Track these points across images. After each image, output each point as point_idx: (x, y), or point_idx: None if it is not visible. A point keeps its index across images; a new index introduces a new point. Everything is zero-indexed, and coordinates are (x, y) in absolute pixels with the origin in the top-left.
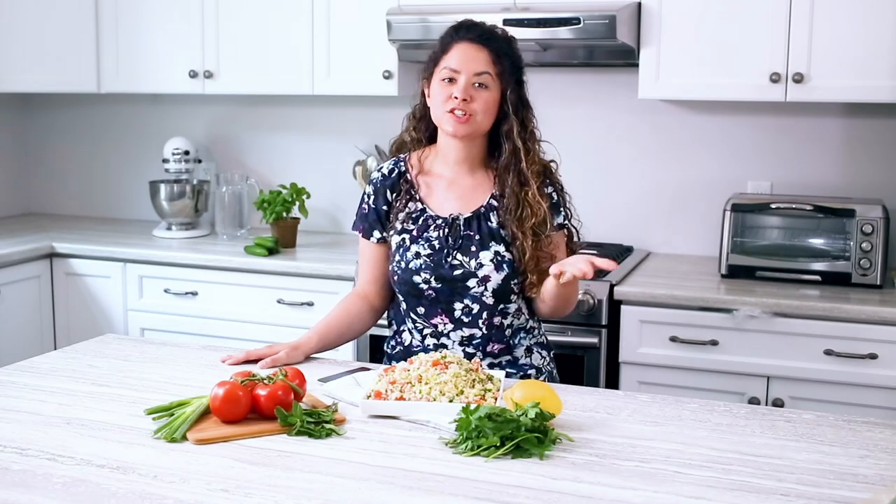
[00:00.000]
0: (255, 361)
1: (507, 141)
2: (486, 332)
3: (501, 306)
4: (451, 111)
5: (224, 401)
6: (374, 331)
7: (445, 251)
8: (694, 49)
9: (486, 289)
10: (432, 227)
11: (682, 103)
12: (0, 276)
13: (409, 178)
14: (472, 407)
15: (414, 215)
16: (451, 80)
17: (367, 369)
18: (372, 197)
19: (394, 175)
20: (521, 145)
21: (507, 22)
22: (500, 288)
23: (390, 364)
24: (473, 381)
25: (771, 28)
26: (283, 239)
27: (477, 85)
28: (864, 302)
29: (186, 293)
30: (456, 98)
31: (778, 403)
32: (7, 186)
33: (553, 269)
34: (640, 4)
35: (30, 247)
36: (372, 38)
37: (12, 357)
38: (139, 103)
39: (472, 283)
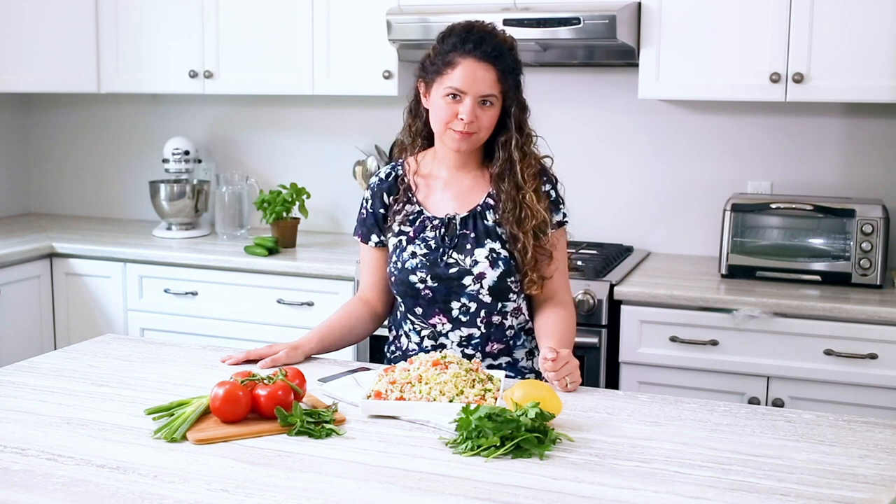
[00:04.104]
0: (255, 361)
1: (502, 150)
2: (484, 331)
3: (500, 305)
4: (456, 129)
5: (224, 401)
6: (376, 332)
7: (441, 250)
8: (694, 49)
9: (482, 286)
10: (429, 228)
11: (682, 103)
12: (0, 276)
13: (406, 180)
14: (472, 407)
15: (411, 217)
16: (455, 98)
17: (367, 369)
18: (370, 201)
19: (391, 179)
20: (517, 156)
21: (507, 22)
22: (497, 285)
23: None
24: (473, 381)
25: (771, 28)
26: (283, 239)
27: (481, 103)
28: (864, 302)
29: (186, 293)
30: (462, 119)
31: (778, 403)
32: (7, 186)
33: (545, 368)
34: (640, 4)
35: (30, 247)
36: (372, 38)
37: (12, 357)
38: (139, 103)
39: (467, 280)
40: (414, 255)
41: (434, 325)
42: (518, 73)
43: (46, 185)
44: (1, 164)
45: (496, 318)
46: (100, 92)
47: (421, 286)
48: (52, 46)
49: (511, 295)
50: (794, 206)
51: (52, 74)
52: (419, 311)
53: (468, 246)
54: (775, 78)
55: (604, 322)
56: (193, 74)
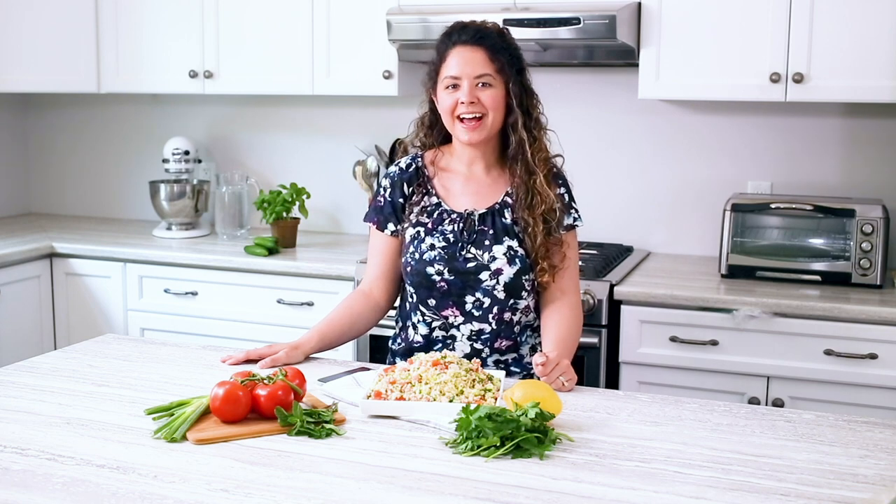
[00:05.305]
0: (255, 361)
1: (513, 133)
2: (495, 327)
3: (512, 301)
4: (461, 118)
5: (224, 401)
6: (375, 330)
7: (460, 244)
8: (694, 49)
9: (497, 282)
10: (447, 221)
11: (682, 103)
12: (0, 276)
13: (425, 173)
14: (472, 407)
15: (429, 209)
16: (455, 87)
17: (367, 369)
18: (388, 190)
19: (411, 169)
20: (525, 136)
21: (507, 22)
22: (512, 282)
23: (395, 361)
24: (473, 381)
25: (771, 28)
26: (283, 239)
27: (480, 85)
28: (864, 302)
29: (186, 293)
30: (463, 103)
31: (778, 403)
32: (7, 186)
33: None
34: (640, 4)
35: (30, 247)
36: (372, 38)
37: (12, 357)
38: (139, 103)
39: (484, 276)
40: (433, 247)
41: (446, 318)
42: (510, 53)
43: (46, 185)
44: (1, 164)
45: (507, 315)
46: (100, 92)
47: (437, 278)
48: (52, 46)
49: (524, 293)
50: (794, 206)
51: (52, 74)
52: (432, 302)
53: (486, 242)
54: (775, 78)
55: (604, 322)
56: (193, 74)
